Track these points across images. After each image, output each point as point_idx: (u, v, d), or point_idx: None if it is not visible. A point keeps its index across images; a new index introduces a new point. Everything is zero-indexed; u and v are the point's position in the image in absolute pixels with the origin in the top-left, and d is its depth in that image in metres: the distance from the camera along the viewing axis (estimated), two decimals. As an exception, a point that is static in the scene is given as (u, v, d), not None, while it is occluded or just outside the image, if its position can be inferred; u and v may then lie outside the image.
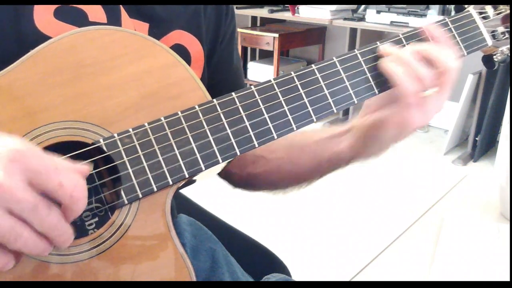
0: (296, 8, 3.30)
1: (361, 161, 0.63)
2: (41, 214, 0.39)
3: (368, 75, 0.57)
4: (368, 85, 0.57)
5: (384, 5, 2.86)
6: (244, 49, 3.69)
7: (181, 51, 0.62)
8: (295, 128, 0.54)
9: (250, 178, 0.73)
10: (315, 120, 0.55)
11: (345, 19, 3.11)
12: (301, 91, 0.55)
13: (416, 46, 0.56)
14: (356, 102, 0.56)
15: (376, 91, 0.57)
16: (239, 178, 0.74)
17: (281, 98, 0.54)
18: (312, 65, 0.56)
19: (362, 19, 3.03)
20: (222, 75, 0.72)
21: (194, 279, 0.49)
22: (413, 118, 0.55)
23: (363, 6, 3.07)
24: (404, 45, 0.58)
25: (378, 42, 0.58)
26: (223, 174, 0.77)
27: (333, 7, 3.10)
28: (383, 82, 0.57)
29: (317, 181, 0.70)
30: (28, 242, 0.39)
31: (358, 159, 0.63)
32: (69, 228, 0.42)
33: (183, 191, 0.80)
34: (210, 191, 2.14)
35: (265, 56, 3.80)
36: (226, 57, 0.72)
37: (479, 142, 2.65)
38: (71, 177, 0.40)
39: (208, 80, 0.69)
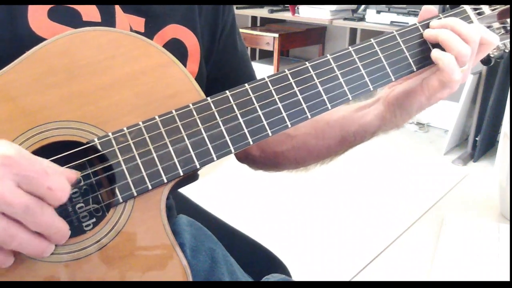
0: (296, 8, 3.30)
1: (386, 132, 0.66)
2: (34, 215, 0.40)
3: (363, 71, 0.57)
4: (363, 81, 0.57)
5: (384, 5, 2.86)
6: (244, 49, 3.69)
7: (178, 45, 0.63)
8: (289, 126, 0.54)
9: (275, 158, 0.73)
10: (309, 117, 0.55)
11: (345, 19, 3.11)
12: (295, 88, 0.55)
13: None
14: (350, 98, 0.57)
15: (370, 87, 0.57)
16: (261, 159, 0.75)
17: (275, 96, 0.54)
18: (306, 63, 0.56)
19: (362, 19, 3.03)
20: (229, 64, 0.73)
21: (190, 278, 0.49)
22: (445, 91, 0.58)
23: (363, 6, 3.07)
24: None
25: (372, 39, 0.58)
26: (243, 158, 0.77)
27: (333, 7, 3.10)
28: (377, 79, 0.58)
29: (339, 157, 0.71)
30: (23, 241, 0.40)
31: (384, 129, 0.65)
32: (64, 224, 0.43)
33: (183, 191, 0.80)
34: (210, 191, 2.14)
35: (265, 56, 3.80)
36: (230, 46, 0.73)
37: (479, 142, 2.64)
38: (60, 181, 0.41)
39: (216, 72, 0.70)
